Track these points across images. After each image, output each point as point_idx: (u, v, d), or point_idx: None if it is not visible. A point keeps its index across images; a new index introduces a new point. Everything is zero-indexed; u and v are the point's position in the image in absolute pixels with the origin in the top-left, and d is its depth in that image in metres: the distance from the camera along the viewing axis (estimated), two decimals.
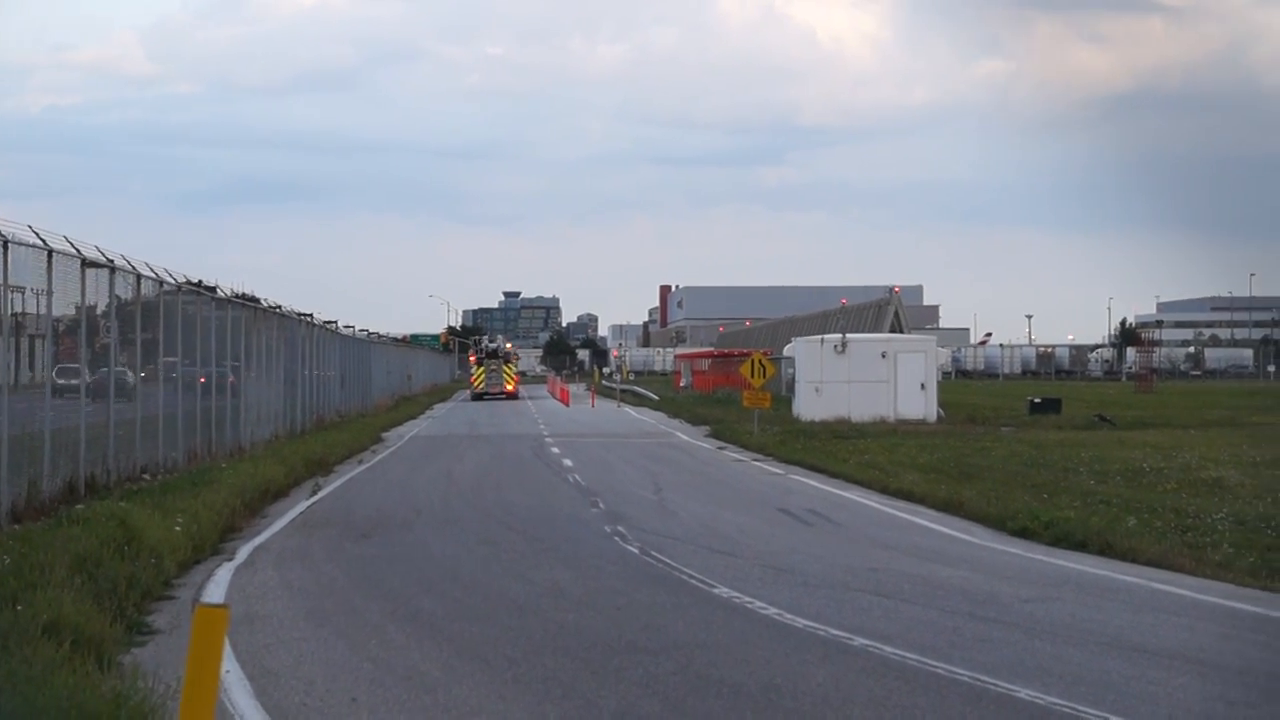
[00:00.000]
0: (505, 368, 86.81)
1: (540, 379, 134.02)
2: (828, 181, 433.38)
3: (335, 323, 54.65)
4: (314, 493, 27.48)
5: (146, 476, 24.21)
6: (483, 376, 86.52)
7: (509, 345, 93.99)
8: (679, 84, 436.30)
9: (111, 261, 23.50)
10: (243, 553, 19.05)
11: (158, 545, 16.55)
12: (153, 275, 26.38)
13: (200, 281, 31.83)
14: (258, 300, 38.59)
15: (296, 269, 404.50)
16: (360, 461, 36.22)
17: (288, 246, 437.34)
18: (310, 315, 47.00)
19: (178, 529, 18.06)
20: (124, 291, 24.87)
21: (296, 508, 24.83)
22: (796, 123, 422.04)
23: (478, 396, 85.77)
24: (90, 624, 11.94)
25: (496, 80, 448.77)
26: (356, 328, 63.85)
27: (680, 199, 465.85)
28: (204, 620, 5.88)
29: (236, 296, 35.35)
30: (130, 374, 25.92)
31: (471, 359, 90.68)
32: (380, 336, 77.66)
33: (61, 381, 22.82)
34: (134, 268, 25.15)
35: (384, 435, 47.88)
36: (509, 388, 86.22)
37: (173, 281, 27.93)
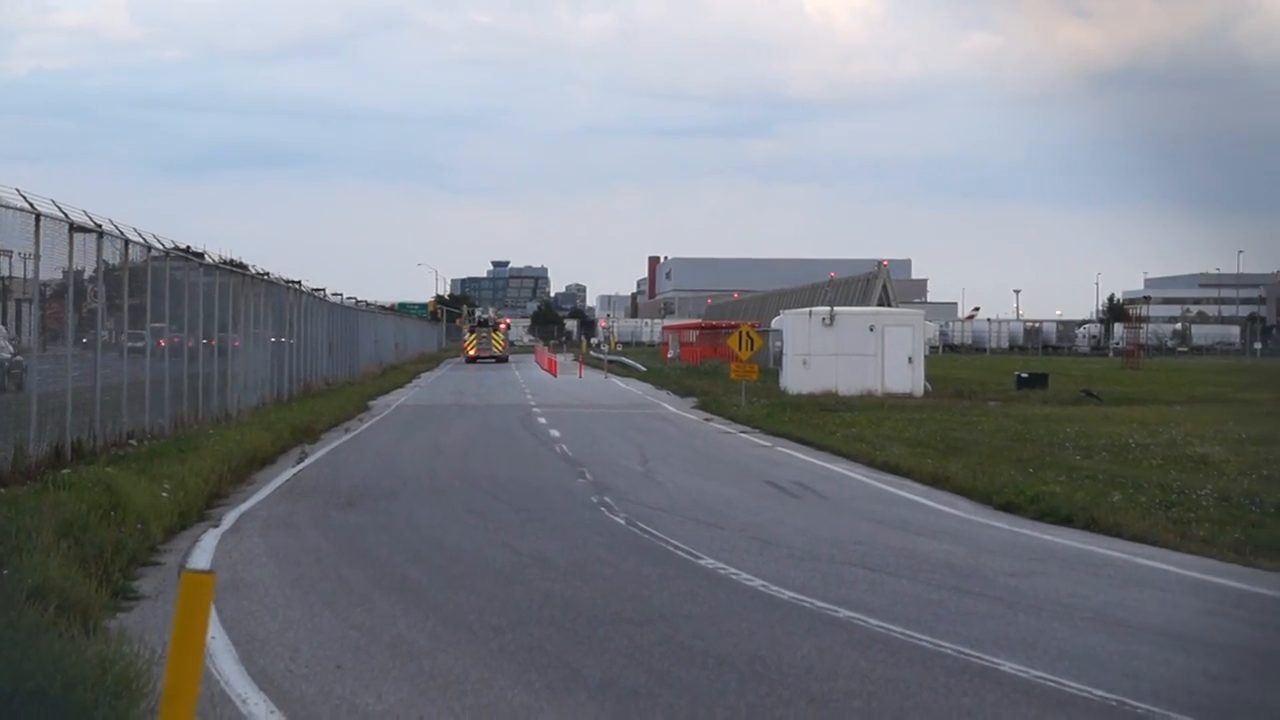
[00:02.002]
0: (494, 335, 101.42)
1: (528, 349, 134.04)
2: (816, 154, 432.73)
3: (323, 290, 54.51)
4: (301, 460, 27.46)
5: (133, 442, 24.16)
6: (474, 342, 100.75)
7: (499, 318, 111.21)
8: (667, 55, 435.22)
9: (99, 226, 23.41)
10: (229, 520, 19.04)
11: (144, 511, 16.54)
12: (140, 240, 26.28)
13: (188, 247, 31.71)
14: (245, 267, 38.42)
15: (284, 236, 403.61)
16: (347, 430, 36.18)
17: (275, 214, 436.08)
18: (298, 282, 46.91)
19: (164, 495, 18.04)
20: (112, 256, 24.79)
21: (283, 475, 24.82)
22: (785, 95, 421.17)
23: (471, 360, 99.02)
24: (76, 589, 11.92)
25: (484, 49, 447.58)
26: (344, 296, 63.79)
27: (668, 170, 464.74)
28: (190, 586, 5.87)
29: (224, 263, 35.22)
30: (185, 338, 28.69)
31: (465, 329, 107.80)
32: (368, 305, 77.65)
33: (130, 345, 25.82)
34: (122, 232, 25.05)
35: (371, 404, 47.83)
36: (497, 351, 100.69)
37: (160, 247, 27.83)
